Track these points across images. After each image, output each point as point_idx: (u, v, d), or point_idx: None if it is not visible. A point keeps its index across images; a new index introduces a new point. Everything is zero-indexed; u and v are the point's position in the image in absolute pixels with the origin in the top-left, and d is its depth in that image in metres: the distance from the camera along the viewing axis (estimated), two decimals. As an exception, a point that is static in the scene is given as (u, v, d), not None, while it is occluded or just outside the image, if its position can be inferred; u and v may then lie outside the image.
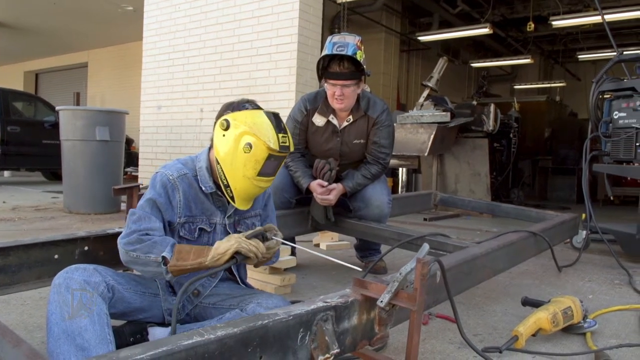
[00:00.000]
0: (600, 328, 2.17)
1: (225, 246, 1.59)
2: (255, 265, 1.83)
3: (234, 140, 1.64)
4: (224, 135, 1.67)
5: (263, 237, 1.69)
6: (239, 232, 1.82)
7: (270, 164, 1.68)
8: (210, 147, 1.80)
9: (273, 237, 1.72)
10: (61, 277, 1.49)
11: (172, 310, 1.48)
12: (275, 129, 1.65)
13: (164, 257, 1.57)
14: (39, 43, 13.92)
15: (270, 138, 1.63)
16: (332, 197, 2.80)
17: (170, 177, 1.73)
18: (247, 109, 1.70)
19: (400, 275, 1.37)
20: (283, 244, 1.78)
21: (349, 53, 2.62)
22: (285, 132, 1.69)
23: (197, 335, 1.07)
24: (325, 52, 2.69)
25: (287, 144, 1.68)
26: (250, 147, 1.62)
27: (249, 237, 1.63)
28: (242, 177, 1.67)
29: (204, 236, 1.80)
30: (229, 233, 1.80)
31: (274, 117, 1.69)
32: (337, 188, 2.81)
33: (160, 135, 7.19)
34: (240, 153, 1.64)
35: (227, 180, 1.69)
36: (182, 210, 1.74)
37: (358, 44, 2.66)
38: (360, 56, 2.65)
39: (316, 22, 5.99)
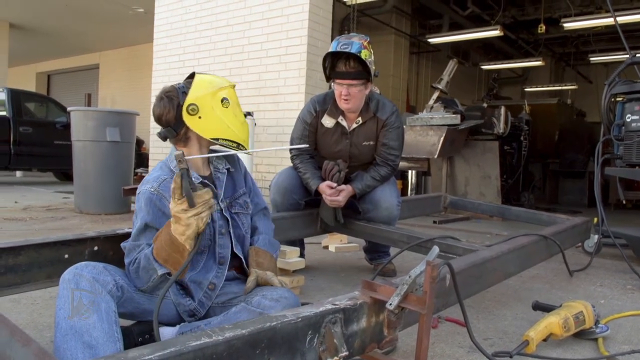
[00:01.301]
0: (613, 333, 2.14)
1: (190, 233, 1.50)
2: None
3: (210, 110, 1.71)
4: (200, 117, 1.70)
5: (187, 173, 1.48)
6: (236, 213, 1.85)
7: None
8: (176, 145, 1.80)
9: (185, 157, 1.49)
10: (70, 273, 1.49)
11: (154, 310, 1.45)
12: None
13: (164, 274, 1.57)
14: (50, 45, 14.06)
15: (224, 81, 1.77)
16: (341, 199, 2.79)
17: (153, 190, 1.68)
18: (183, 87, 1.75)
19: (410, 278, 1.36)
20: (303, 252, 1.76)
21: (353, 51, 2.61)
22: None
23: (206, 336, 1.07)
24: (330, 49, 2.69)
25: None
26: (227, 99, 1.74)
27: (192, 204, 1.48)
28: (241, 125, 1.78)
29: (205, 228, 1.74)
30: (226, 217, 1.81)
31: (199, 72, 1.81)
32: (346, 189, 2.80)
33: (170, 137, 7.22)
34: (224, 112, 1.73)
35: (235, 142, 1.76)
36: None
37: (365, 43, 2.65)
38: (365, 55, 2.63)
39: (326, 24, 6.00)
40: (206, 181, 1.78)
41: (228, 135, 1.74)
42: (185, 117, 1.70)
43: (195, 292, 1.75)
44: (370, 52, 2.68)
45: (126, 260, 1.66)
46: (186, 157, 1.50)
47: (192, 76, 1.80)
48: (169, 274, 1.57)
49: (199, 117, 1.69)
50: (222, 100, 1.72)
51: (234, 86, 1.81)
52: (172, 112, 1.71)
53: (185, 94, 1.72)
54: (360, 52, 2.61)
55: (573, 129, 9.55)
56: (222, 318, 1.67)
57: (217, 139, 1.73)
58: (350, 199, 2.90)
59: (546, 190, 9.76)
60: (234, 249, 1.85)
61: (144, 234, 1.67)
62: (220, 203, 1.82)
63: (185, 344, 1.02)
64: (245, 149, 1.80)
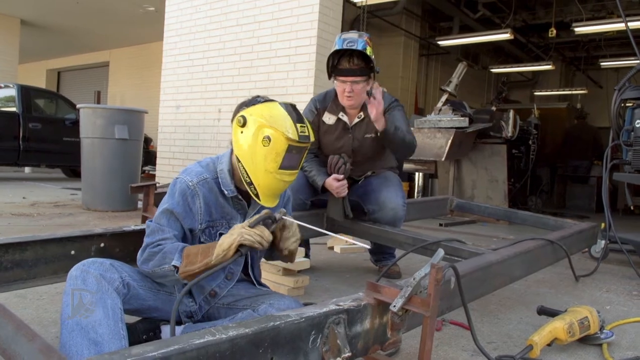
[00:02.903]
0: (617, 339, 2.13)
1: (228, 241, 1.54)
2: (284, 258, 1.79)
3: (252, 135, 1.62)
4: (242, 132, 1.65)
5: (272, 220, 1.61)
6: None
7: (292, 157, 1.64)
8: (233, 150, 1.80)
9: (283, 217, 1.63)
10: (78, 270, 1.49)
11: (172, 312, 1.41)
12: (293, 119, 1.63)
13: (175, 266, 1.56)
14: (61, 42, 14.14)
15: (288, 128, 1.60)
16: (377, 106, 2.63)
17: (190, 184, 1.70)
18: (260, 102, 1.69)
19: (414, 280, 1.36)
20: (308, 252, 1.74)
21: (359, 48, 2.63)
22: (304, 122, 1.66)
23: (209, 334, 1.07)
24: (336, 47, 2.69)
25: (306, 133, 1.65)
26: (269, 139, 1.60)
27: (252, 225, 1.57)
28: (264, 172, 1.63)
29: (235, 256, 1.78)
30: None
31: (291, 108, 1.67)
32: (381, 102, 2.63)
33: (178, 135, 7.25)
34: (260, 147, 1.61)
35: (249, 178, 1.66)
36: (202, 216, 1.72)
37: (367, 40, 2.67)
38: (369, 52, 2.66)
39: (335, 25, 6.00)
40: (239, 195, 1.77)
41: (247, 166, 1.66)
42: (233, 124, 1.69)
43: (196, 296, 1.77)
44: (372, 48, 2.70)
45: (147, 239, 1.65)
46: (284, 218, 1.64)
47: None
48: (178, 271, 1.56)
49: (241, 132, 1.65)
50: (264, 137, 1.60)
51: (292, 140, 1.61)
52: (236, 113, 1.72)
53: (247, 106, 1.69)
54: (365, 49, 2.64)
55: (576, 133, 9.46)
56: (228, 323, 1.67)
57: (239, 161, 1.68)
58: (356, 200, 2.92)
59: (554, 194, 9.71)
60: (248, 270, 1.86)
61: (167, 218, 1.68)
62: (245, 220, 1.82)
63: (188, 342, 1.03)
64: (258, 196, 1.67)
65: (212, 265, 1.54)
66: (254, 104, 1.68)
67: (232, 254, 1.54)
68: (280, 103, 1.68)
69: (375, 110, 2.63)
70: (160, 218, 1.69)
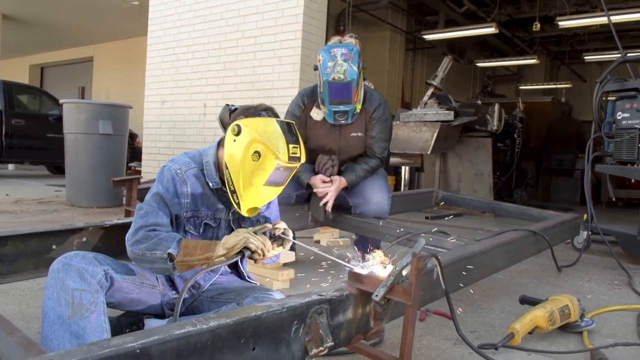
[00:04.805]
0: (598, 327, 2.17)
1: (233, 241, 1.56)
2: (255, 261, 1.83)
3: (243, 147, 1.62)
4: (234, 141, 1.65)
5: (270, 235, 1.66)
6: (244, 227, 1.81)
7: (279, 174, 1.65)
8: (219, 144, 1.79)
9: (281, 235, 1.69)
10: (60, 263, 1.49)
11: (176, 303, 1.46)
12: (287, 139, 1.62)
13: (169, 254, 1.56)
14: (44, 37, 13.95)
15: (279, 148, 1.60)
16: (333, 191, 2.79)
17: (179, 171, 1.72)
18: (261, 116, 1.69)
19: (396, 269, 1.37)
20: (293, 245, 1.78)
21: (349, 78, 2.65)
22: (297, 143, 1.66)
23: (190, 325, 1.07)
24: (323, 77, 2.68)
25: (297, 154, 1.65)
26: (259, 155, 1.60)
27: (256, 233, 1.61)
28: (249, 185, 1.64)
29: (209, 231, 1.79)
30: (233, 229, 1.79)
31: (287, 127, 1.66)
32: (339, 180, 2.81)
33: (164, 130, 7.20)
34: (249, 161, 1.61)
35: (234, 187, 1.66)
36: (189, 205, 1.73)
37: (353, 59, 2.66)
38: (356, 73, 2.67)
39: (321, 19, 5.98)
40: (223, 188, 1.77)
41: (234, 175, 1.65)
42: (228, 130, 1.69)
43: (180, 287, 1.76)
44: (359, 55, 2.69)
45: (141, 221, 1.64)
46: (284, 236, 1.69)
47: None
48: (171, 259, 1.56)
49: (234, 140, 1.65)
50: (255, 152, 1.61)
51: (281, 160, 1.61)
52: (234, 118, 1.72)
53: (245, 116, 1.69)
54: (353, 80, 2.65)
55: (560, 127, 9.54)
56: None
57: (227, 167, 1.67)
58: (342, 192, 2.92)
59: (539, 187, 9.79)
60: (237, 263, 1.86)
61: (157, 202, 1.69)
62: (231, 214, 1.83)
63: (168, 332, 1.03)
64: (239, 206, 1.68)
65: (213, 261, 1.57)
66: (254, 116, 1.68)
67: (234, 253, 1.57)
68: (278, 120, 1.67)
69: (329, 195, 2.80)
70: (151, 202, 1.69)
